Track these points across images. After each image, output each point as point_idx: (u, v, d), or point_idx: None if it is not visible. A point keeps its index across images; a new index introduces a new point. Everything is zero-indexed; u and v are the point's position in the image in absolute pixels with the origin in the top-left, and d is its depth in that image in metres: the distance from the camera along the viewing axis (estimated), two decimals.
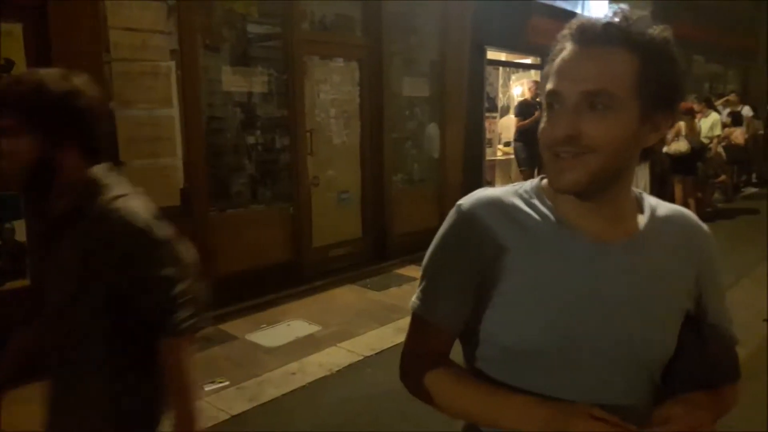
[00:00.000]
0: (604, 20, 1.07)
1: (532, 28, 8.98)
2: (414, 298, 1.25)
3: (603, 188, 1.11)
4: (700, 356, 1.17)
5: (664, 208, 1.25)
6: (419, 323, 1.24)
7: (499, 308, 1.15)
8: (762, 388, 3.83)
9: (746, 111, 12.70)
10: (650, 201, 1.25)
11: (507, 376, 1.16)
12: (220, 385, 4.21)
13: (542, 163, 1.15)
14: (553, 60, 1.12)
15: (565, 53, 1.09)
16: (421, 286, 1.25)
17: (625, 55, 1.05)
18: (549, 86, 1.09)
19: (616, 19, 1.07)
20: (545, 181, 1.21)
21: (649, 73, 1.06)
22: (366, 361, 4.65)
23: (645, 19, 1.08)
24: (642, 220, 1.20)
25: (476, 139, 8.73)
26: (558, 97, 1.07)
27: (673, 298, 1.19)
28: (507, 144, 10.84)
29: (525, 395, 1.12)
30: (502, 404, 1.13)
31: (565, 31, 1.11)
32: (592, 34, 1.06)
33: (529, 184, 1.24)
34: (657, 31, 1.08)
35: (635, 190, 1.23)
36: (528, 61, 9.82)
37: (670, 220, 1.23)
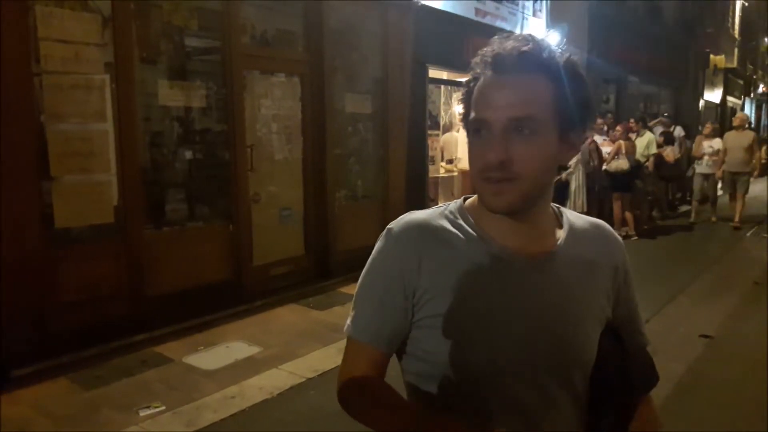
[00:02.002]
0: (520, 48, 1.11)
1: (472, 47, 9.09)
2: (348, 322, 1.28)
3: (531, 206, 1.18)
4: (621, 361, 1.25)
5: (581, 221, 1.33)
6: (353, 346, 1.27)
7: (434, 329, 1.18)
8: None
9: (678, 131, 13.17)
10: (568, 215, 1.32)
11: (446, 394, 1.19)
12: (156, 410, 4.05)
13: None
14: (469, 87, 1.18)
15: (484, 81, 1.14)
16: (354, 310, 1.28)
17: (541, 80, 1.11)
18: (474, 114, 1.14)
19: (529, 47, 1.11)
20: (468, 201, 1.29)
21: (564, 96, 1.12)
22: (308, 384, 4.53)
23: (553, 44, 1.14)
24: (561, 234, 1.27)
25: (419, 157, 8.77)
26: (485, 125, 1.12)
27: (594, 306, 1.26)
28: (450, 161, 10.92)
29: (456, 420, 1.09)
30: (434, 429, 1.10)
31: (480, 59, 1.16)
32: (510, 63, 1.11)
33: (454, 204, 1.29)
34: (566, 55, 1.15)
35: (553, 205, 1.29)
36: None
37: (587, 232, 1.31)
